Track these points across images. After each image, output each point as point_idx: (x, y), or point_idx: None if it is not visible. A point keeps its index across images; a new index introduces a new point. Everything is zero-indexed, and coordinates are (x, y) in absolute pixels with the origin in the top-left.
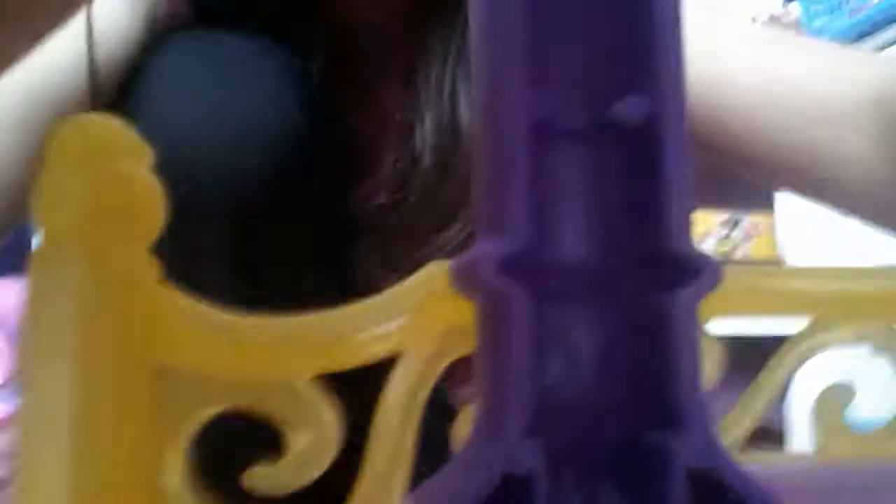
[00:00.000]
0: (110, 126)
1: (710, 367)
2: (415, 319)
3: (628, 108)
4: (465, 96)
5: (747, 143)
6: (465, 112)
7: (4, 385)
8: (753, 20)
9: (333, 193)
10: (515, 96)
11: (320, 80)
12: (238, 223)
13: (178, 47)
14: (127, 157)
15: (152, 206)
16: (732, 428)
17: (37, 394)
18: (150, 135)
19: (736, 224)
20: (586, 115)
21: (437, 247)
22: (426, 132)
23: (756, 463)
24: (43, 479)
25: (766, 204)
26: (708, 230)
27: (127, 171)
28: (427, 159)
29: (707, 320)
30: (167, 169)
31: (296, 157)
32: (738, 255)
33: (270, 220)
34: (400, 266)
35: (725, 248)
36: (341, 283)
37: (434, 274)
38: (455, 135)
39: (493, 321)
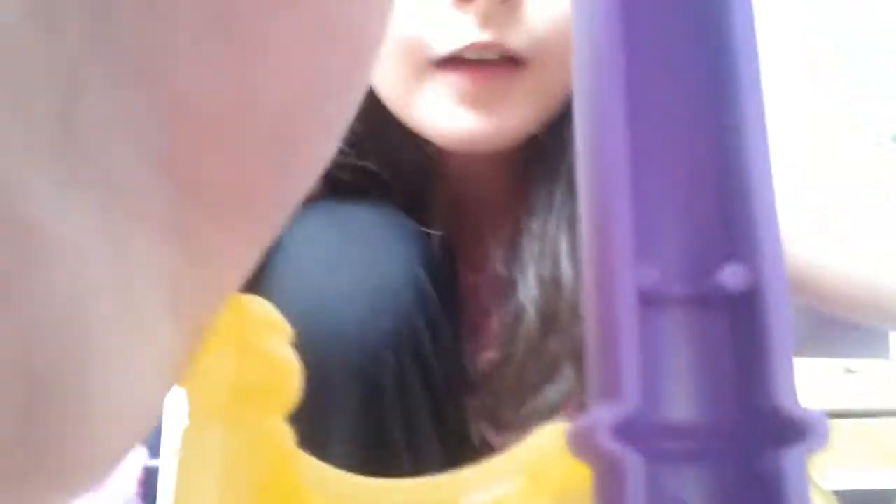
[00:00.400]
0: (255, 306)
1: None
2: (531, 481)
3: (731, 277)
4: (567, 250)
5: (861, 298)
6: (566, 265)
7: None
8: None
9: (450, 351)
10: (623, 268)
11: (436, 240)
12: (369, 382)
13: (312, 220)
14: (270, 335)
15: (291, 381)
16: None
17: None
18: (289, 303)
19: (850, 372)
20: (691, 284)
21: (543, 401)
22: (529, 286)
23: None
24: None
25: (882, 351)
26: (822, 379)
27: (269, 350)
28: (530, 313)
29: (819, 474)
30: (306, 334)
31: (422, 316)
32: (855, 404)
33: (398, 378)
34: (509, 422)
35: (840, 397)
36: (458, 441)
37: (548, 436)
38: (557, 288)
39: (609, 484)
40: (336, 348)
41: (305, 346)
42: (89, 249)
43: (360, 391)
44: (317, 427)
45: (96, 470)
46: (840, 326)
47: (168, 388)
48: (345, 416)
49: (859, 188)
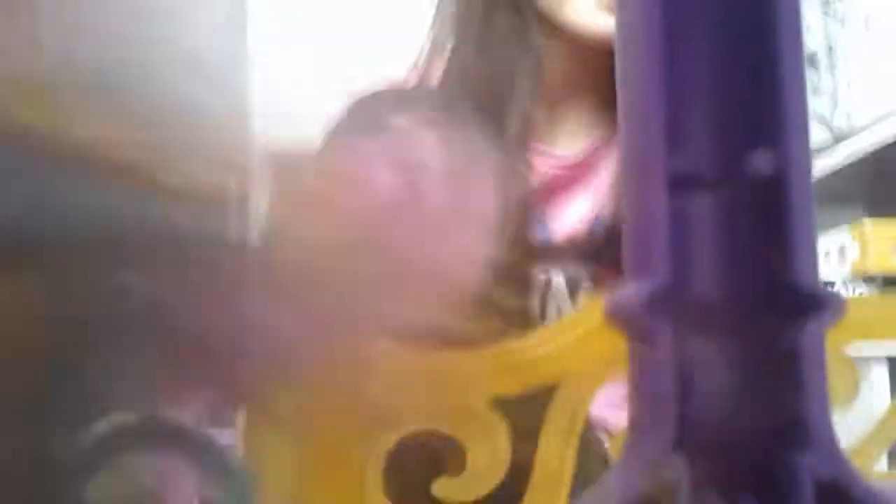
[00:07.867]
0: None
1: (847, 388)
2: (574, 350)
3: (759, 163)
4: None
5: None
6: None
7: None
8: None
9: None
10: (656, 157)
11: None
12: None
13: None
14: None
15: None
16: (868, 448)
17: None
18: None
19: None
20: (720, 169)
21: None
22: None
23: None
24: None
25: None
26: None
27: None
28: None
29: (842, 345)
30: None
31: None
32: None
33: None
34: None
35: None
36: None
37: (589, 310)
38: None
39: (641, 352)
40: None
41: None
42: None
43: None
44: None
45: None
46: None
47: None
48: None
49: None
